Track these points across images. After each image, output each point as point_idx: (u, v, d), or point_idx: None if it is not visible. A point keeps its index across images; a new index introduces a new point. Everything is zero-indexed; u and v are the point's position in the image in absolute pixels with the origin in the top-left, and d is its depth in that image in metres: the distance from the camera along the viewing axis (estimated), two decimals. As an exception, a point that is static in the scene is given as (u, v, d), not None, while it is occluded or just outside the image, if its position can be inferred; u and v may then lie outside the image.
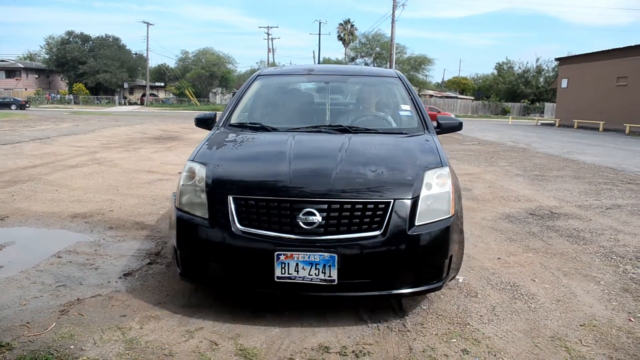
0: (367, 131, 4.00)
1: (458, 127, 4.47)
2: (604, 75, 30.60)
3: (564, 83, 35.86)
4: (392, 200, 2.93)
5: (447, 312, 3.09)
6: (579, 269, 3.99)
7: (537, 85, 62.46)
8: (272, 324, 2.90)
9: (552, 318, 3.06)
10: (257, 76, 4.89)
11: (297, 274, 2.80)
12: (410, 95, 4.50)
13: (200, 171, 3.19)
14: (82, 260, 3.91)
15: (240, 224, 2.91)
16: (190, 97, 66.31)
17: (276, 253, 2.80)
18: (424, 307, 3.15)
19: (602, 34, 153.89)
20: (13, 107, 49.23)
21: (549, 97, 58.48)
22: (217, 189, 3.06)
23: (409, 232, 2.89)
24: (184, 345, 2.63)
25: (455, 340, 2.75)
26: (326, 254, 2.79)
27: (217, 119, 4.26)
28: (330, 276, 2.79)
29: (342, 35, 70.77)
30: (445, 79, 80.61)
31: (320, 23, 61.32)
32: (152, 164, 9.60)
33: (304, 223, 2.84)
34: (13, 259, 3.94)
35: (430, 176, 3.14)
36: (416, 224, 2.93)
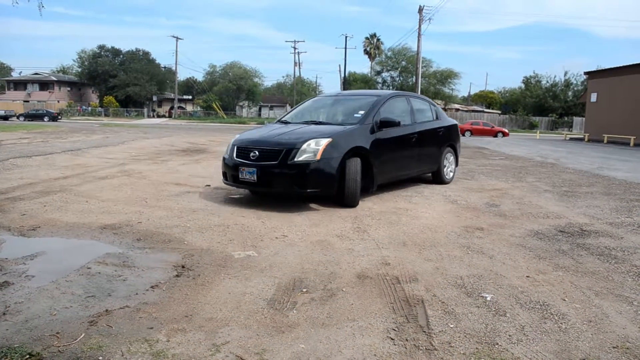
0: (327, 124, 7.63)
1: (396, 123, 7.60)
2: (634, 89, 30.01)
3: (594, 97, 35.26)
4: (284, 149, 6.50)
5: (475, 331, 3.04)
6: (610, 289, 3.89)
7: (565, 99, 61.56)
8: (297, 340, 2.89)
9: (584, 339, 2.98)
10: (312, 98, 9.88)
11: (245, 177, 6.66)
12: (371, 106, 7.73)
13: (235, 136, 7.52)
14: (111, 272, 3.97)
15: (235, 157, 6.94)
16: (218, 110, 67.16)
17: (240, 167, 6.73)
18: (452, 326, 3.11)
19: (633, 47, 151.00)
20: (46, 119, 50.65)
21: (577, 111, 57.58)
22: (233, 143, 7.20)
23: (288, 163, 6.41)
24: None
25: (483, 360, 2.70)
26: (253, 169, 6.58)
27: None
28: (254, 179, 6.58)
29: (368, 49, 71.01)
30: (472, 93, 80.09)
31: (346, 37, 61.46)
32: (179, 176, 9.73)
33: (251, 156, 6.70)
34: (44, 269, 4.02)
35: (311, 141, 6.54)
36: (295, 160, 6.41)
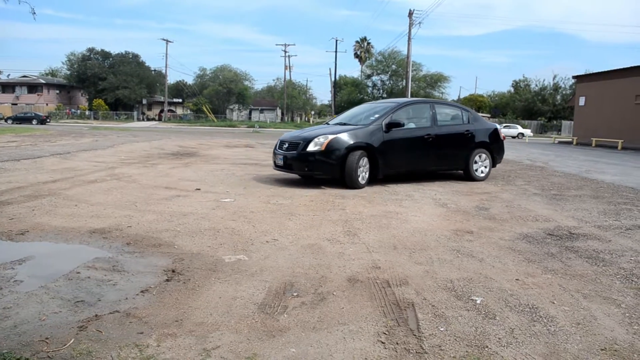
0: (348, 125, 9.62)
1: (400, 125, 9.27)
2: (622, 94, 30.32)
3: (582, 101, 35.58)
4: (301, 142, 8.97)
5: (465, 334, 3.06)
6: (599, 291, 3.93)
7: (554, 102, 62.10)
8: (288, 344, 2.89)
9: (572, 342, 3.01)
10: (361, 104, 12.35)
11: (278, 162, 9.41)
12: (386, 111, 9.55)
13: (283, 134, 10.31)
14: (101, 276, 3.95)
15: (277, 148, 9.63)
16: (208, 113, 66.96)
17: (276, 155, 9.51)
18: (442, 329, 3.12)
19: (621, 52, 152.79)
20: (34, 122, 50.22)
21: (566, 114, 58.09)
22: (279, 139, 9.86)
23: (302, 152, 8.84)
24: (200, 364, 2.63)
25: (473, 363, 2.72)
26: (282, 156, 9.23)
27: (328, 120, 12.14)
28: (283, 164, 9.28)
29: (358, 52, 71.25)
30: (462, 97, 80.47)
31: (336, 41, 61.66)
32: (169, 180, 9.70)
33: (284, 147, 9.35)
34: (33, 274, 3.99)
35: (320, 137, 8.81)
36: (307, 150, 8.78)
